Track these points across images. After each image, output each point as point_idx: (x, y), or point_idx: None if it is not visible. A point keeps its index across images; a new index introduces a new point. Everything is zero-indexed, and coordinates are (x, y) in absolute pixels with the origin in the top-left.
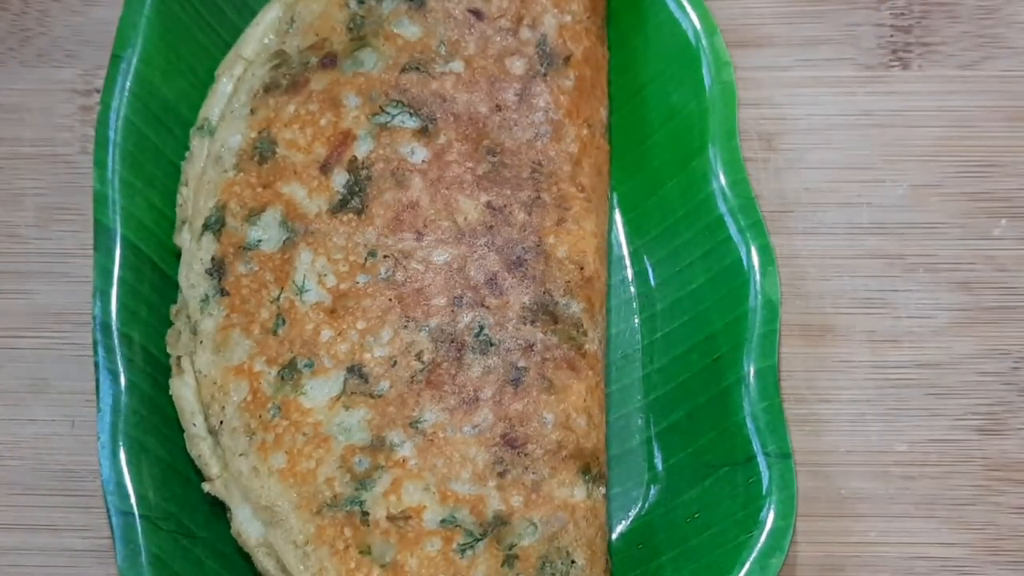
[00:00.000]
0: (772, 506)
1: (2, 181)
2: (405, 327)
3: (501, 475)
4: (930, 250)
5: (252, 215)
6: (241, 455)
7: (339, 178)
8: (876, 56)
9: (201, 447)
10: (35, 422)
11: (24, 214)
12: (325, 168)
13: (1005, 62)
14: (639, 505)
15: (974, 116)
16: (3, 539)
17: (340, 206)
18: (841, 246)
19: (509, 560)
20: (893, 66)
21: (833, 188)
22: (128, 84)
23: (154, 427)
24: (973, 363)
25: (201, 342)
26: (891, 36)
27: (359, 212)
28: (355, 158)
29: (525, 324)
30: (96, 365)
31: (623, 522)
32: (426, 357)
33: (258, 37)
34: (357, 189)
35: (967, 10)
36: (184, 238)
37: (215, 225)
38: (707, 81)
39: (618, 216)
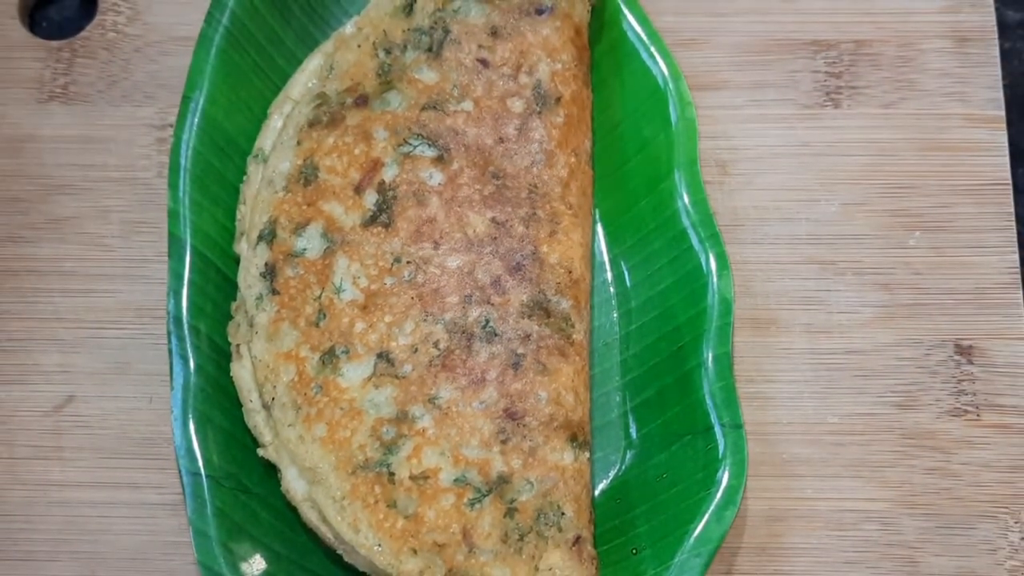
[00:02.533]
0: (727, 468)
1: (93, 200)
2: (424, 320)
3: (504, 442)
4: (857, 257)
5: (298, 228)
6: (289, 425)
7: (370, 197)
8: (812, 97)
9: (256, 419)
10: (119, 398)
11: (111, 227)
12: (358, 189)
13: (917, 103)
14: (617, 467)
15: (893, 147)
16: (94, 495)
17: (371, 221)
18: (783, 254)
19: (510, 512)
20: (826, 105)
21: (777, 206)
22: (196, 120)
23: (218, 402)
24: (892, 350)
25: (256, 332)
26: (825, 81)
27: (387, 226)
28: (383, 181)
29: (523, 318)
30: (170, 351)
31: (604, 481)
32: (442, 345)
33: (303, 81)
34: (385, 207)
35: (887, 59)
36: (242, 247)
37: (268, 236)
38: (673, 117)
39: (600, 228)
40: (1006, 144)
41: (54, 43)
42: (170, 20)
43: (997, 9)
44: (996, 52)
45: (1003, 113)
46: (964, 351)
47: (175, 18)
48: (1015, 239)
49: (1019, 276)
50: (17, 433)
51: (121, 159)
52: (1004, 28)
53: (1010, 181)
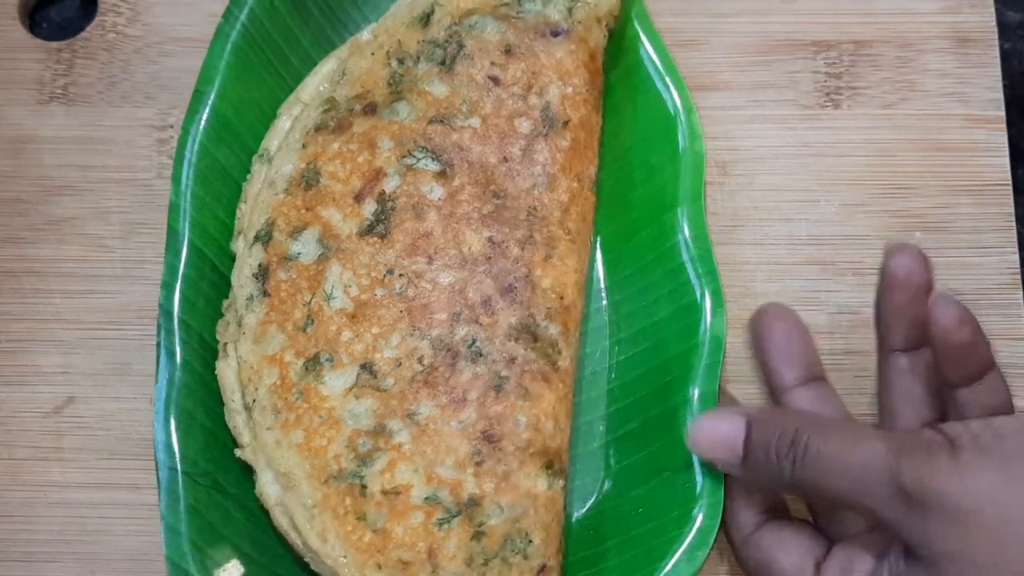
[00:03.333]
0: (702, 508)
1: (93, 201)
2: (411, 334)
3: (478, 464)
4: (857, 258)
5: (295, 231)
6: (268, 429)
7: (369, 207)
8: (812, 98)
9: (237, 420)
10: (120, 399)
11: (111, 228)
12: (358, 198)
13: (918, 103)
14: (595, 497)
15: (893, 147)
16: (94, 496)
17: (368, 230)
18: (783, 254)
19: (478, 535)
20: (826, 106)
21: (777, 207)
22: (205, 115)
23: (201, 400)
24: None
25: (244, 333)
26: (825, 81)
27: (383, 236)
28: (384, 191)
29: (510, 341)
30: (158, 344)
31: (580, 510)
32: (426, 361)
33: (315, 84)
34: (383, 217)
35: (887, 60)
36: (239, 246)
37: (264, 237)
38: (682, 150)
39: (599, 255)
40: (1006, 144)
41: (54, 44)
42: (170, 21)
43: (997, 9)
44: (996, 52)
45: (1003, 113)
46: None
47: (175, 19)
48: (1015, 239)
49: (1019, 276)
50: (17, 434)
51: (121, 160)
52: (1004, 28)
53: (1010, 181)
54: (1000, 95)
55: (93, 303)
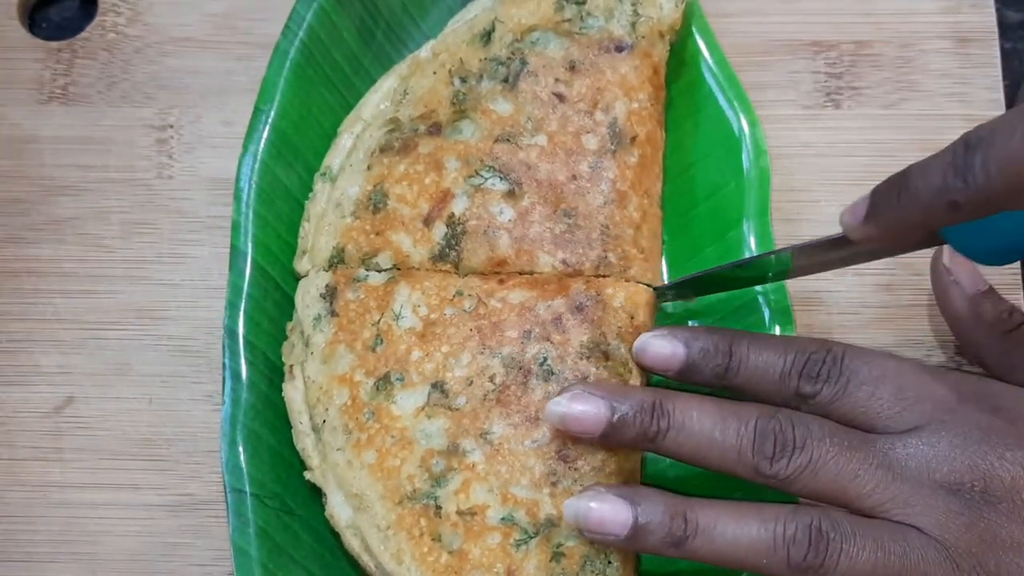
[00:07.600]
0: None
1: (93, 201)
2: (482, 353)
3: (554, 484)
4: None
5: (367, 257)
6: (338, 449)
7: (439, 230)
8: (813, 98)
9: (305, 441)
10: (119, 399)
11: (110, 228)
12: (427, 221)
13: (919, 103)
14: None
15: (894, 148)
16: (94, 496)
17: (440, 257)
18: None
19: (556, 556)
20: (827, 106)
21: (778, 207)
22: (266, 133)
23: (267, 421)
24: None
25: (312, 353)
26: (825, 81)
27: (456, 264)
28: (453, 214)
29: (581, 359)
30: (224, 365)
31: None
32: (497, 380)
33: (375, 102)
34: (454, 243)
35: (888, 60)
36: (303, 265)
37: (335, 262)
38: (746, 165)
39: (665, 271)
40: None
41: (54, 44)
42: (170, 21)
43: (997, 9)
44: (996, 52)
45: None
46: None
47: (175, 19)
48: None
49: (1019, 276)
50: (17, 434)
51: (121, 160)
52: (1004, 28)
53: None
54: (1000, 95)
55: (93, 303)
